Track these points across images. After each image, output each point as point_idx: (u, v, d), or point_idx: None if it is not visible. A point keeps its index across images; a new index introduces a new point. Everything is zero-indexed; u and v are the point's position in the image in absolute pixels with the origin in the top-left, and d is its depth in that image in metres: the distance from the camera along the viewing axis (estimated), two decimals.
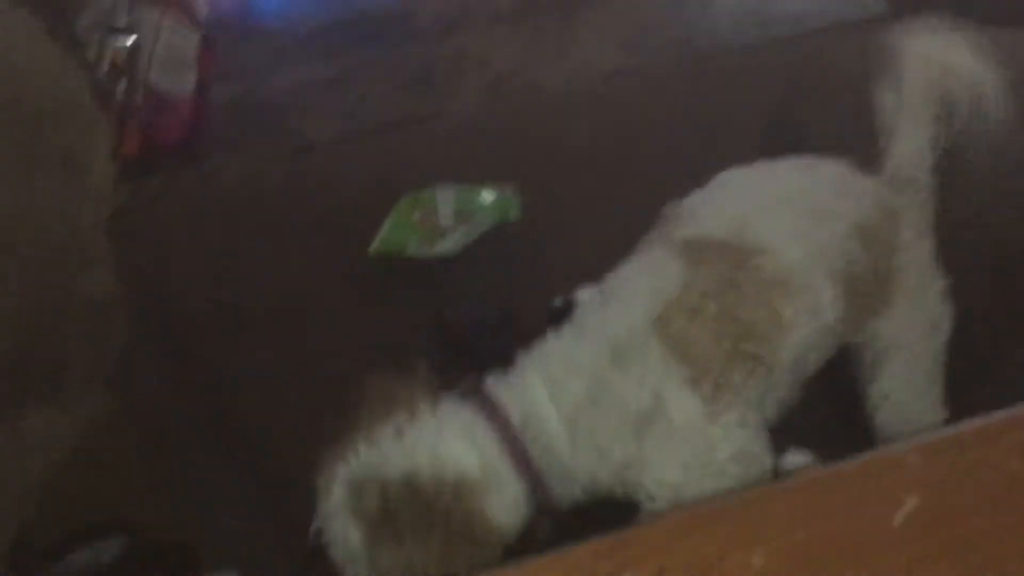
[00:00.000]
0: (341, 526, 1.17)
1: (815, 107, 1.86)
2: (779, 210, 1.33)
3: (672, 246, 1.31)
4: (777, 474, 1.32)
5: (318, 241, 1.77)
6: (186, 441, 1.69)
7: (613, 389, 1.21)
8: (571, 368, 1.23)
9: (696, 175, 1.43)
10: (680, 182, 1.48)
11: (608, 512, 1.24)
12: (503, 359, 1.36)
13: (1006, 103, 1.39)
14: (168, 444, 1.71)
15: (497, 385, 1.23)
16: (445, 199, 1.81)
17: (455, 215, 1.80)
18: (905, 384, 1.42)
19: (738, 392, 1.24)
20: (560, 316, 1.31)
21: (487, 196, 1.83)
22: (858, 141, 1.49)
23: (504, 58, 2.34)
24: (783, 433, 1.29)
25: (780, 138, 1.81)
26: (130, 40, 2.04)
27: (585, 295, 1.34)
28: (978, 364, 1.49)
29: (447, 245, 1.78)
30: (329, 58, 2.32)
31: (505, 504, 1.17)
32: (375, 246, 1.76)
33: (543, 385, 1.22)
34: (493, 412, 1.21)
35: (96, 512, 1.72)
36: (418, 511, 1.13)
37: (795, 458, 1.38)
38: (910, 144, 1.43)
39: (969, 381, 1.41)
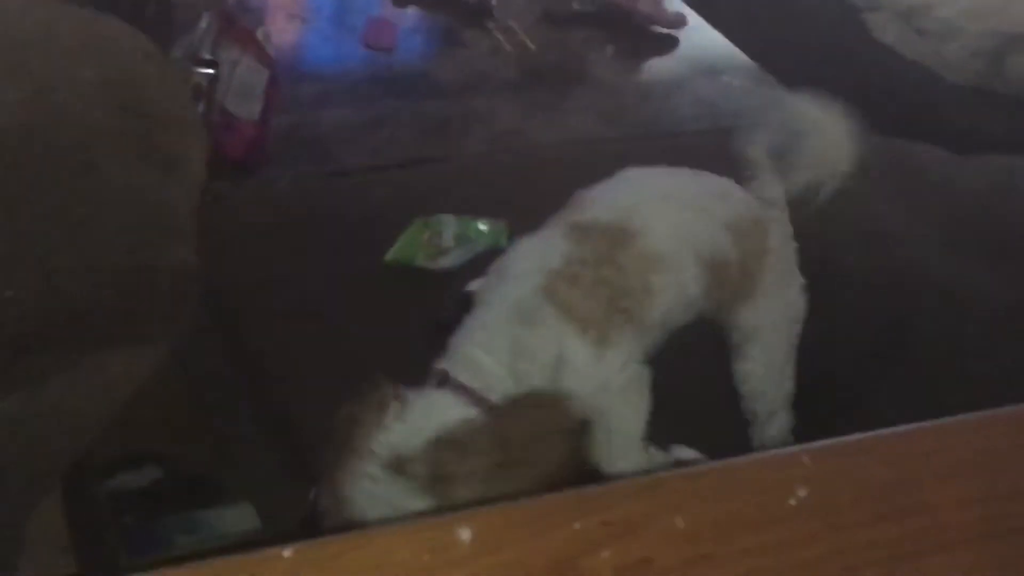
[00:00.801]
0: (395, 495, 1.17)
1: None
2: (663, 203, 1.41)
3: (561, 228, 1.38)
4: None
5: (345, 247, 1.78)
6: (221, 393, 1.70)
7: (528, 344, 1.28)
8: (494, 335, 1.29)
9: None
10: None
11: None
12: None
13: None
14: (205, 393, 1.72)
15: (456, 369, 1.27)
16: (448, 225, 1.83)
17: (455, 238, 1.82)
18: (765, 363, 1.49)
19: (618, 337, 1.31)
20: (458, 313, 1.38)
21: (482, 225, 1.85)
22: None
23: (506, 118, 2.38)
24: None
25: None
26: (211, 71, 2.06)
27: (475, 285, 1.42)
28: (858, 392, 1.53)
29: (447, 261, 1.80)
30: (367, 103, 2.35)
31: None
32: (390, 256, 1.78)
33: (483, 353, 1.28)
34: (465, 390, 1.25)
35: (136, 443, 1.72)
36: (456, 458, 1.16)
37: (680, 452, 1.43)
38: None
39: (852, 404, 1.45)
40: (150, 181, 0.94)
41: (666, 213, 1.39)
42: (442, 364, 1.29)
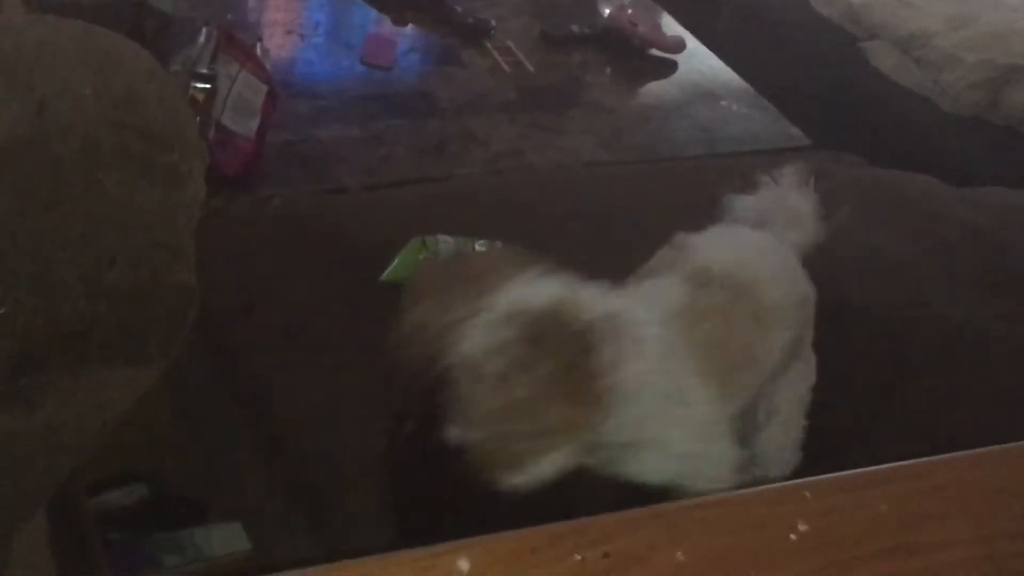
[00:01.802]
0: (485, 350, 1.06)
1: None
2: (760, 259, 1.37)
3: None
4: None
5: (341, 265, 1.78)
6: (211, 411, 1.69)
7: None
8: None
9: (645, 250, 1.46)
10: (633, 254, 1.50)
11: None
12: None
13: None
14: (195, 411, 1.71)
15: None
16: (445, 245, 1.83)
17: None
18: (783, 429, 1.44)
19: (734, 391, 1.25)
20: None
21: (479, 247, 1.84)
22: None
23: (503, 140, 2.38)
24: None
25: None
26: (208, 86, 2.06)
27: None
28: (858, 426, 1.52)
29: None
30: (365, 121, 2.35)
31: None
32: (386, 275, 1.77)
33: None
34: None
35: (124, 460, 1.71)
36: (556, 343, 1.06)
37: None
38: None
39: (852, 438, 1.44)
40: (151, 199, 0.94)
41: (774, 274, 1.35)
42: None
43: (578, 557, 0.77)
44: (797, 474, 1.43)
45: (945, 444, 0.97)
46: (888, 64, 2.89)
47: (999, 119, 2.69)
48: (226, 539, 1.68)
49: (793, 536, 0.83)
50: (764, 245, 1.42)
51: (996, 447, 0.96)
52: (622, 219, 1.95)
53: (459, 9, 2.79)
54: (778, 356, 1.33)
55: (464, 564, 0.75)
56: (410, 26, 2.78)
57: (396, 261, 1.79)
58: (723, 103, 2.71)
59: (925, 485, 0.92)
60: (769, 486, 0.93)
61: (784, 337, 1.33)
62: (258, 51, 2.31)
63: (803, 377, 1.43)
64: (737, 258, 1.34)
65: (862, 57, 2.94)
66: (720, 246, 1.38)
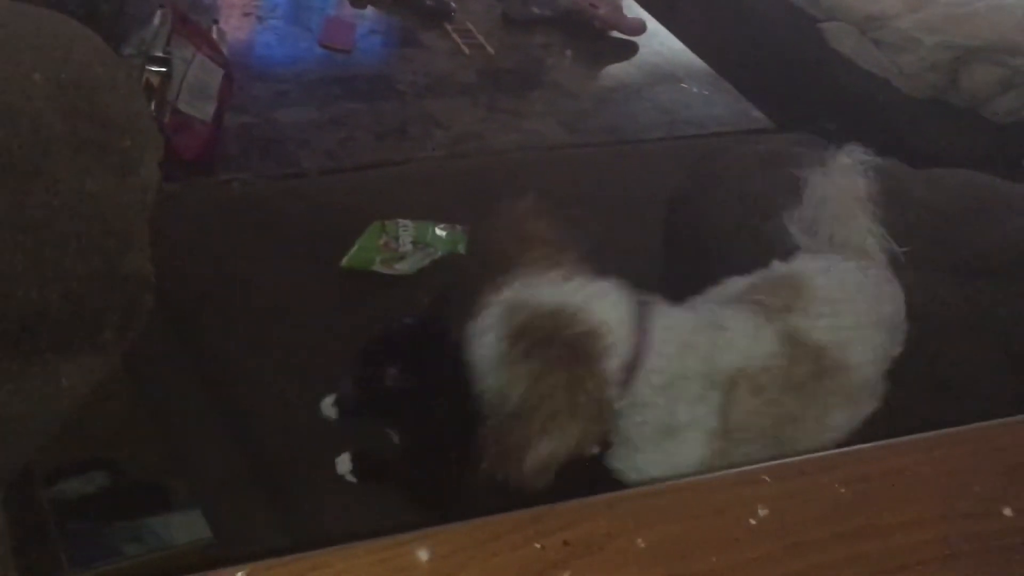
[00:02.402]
0: (488, 339, 1.15)
1: (705, 194, 1.88)
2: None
3: None
4: None
5: (301, 249, 1.76)
6: (171, 398, 1.68)
7: None
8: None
9: (611, 234, 1.45)
10: (598, 238, 1.50)
11: None
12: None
13: None
14: (155, 398, 1.70)
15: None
16: (405, 230, 1.82)
17: (412, 243, 1.81)
18: None
19: None
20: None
21: (440, 231, 1.84)
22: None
23: (465, 122, 2.37)
24: None
25: (677, 213, 1.83)
26: (163, 69, 2.03)
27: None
28: None
29: (404, 266, 1.78)
30: (324, 104, 2.33)
31: (614, 369, 1.15)
32: (346, 260, 1.76)
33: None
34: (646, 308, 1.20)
35: (82, 447, 1.69)
36: (550, 337, 1.11)
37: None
38: None
39: None
40: (104, 185, 0.92)
41: None
42: None
43: (538, 545, 0.77)
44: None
45: (904, 427, 0.98)
46: (847, 46, 2.89)
47: (958, 100, 2.70)
48: (186, 527, 1.67)
49: (753, 520, 0.83)
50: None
51: (955, 429, 0.96)
52: (582, 202, 1.95)
53: None
54: None
55: (424, 553, 0.75)
56: (369, 8, 2.77)
57: (356, 246, 1.78)
58: (684, 85, 2.72)
59: (883, 468, 0.92)
60: (728, 471, 0.93)
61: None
62: (214, 34, 2.29)
63: None
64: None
65: (821, 39, 2.95)
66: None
